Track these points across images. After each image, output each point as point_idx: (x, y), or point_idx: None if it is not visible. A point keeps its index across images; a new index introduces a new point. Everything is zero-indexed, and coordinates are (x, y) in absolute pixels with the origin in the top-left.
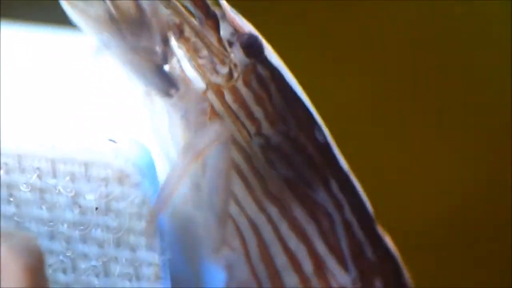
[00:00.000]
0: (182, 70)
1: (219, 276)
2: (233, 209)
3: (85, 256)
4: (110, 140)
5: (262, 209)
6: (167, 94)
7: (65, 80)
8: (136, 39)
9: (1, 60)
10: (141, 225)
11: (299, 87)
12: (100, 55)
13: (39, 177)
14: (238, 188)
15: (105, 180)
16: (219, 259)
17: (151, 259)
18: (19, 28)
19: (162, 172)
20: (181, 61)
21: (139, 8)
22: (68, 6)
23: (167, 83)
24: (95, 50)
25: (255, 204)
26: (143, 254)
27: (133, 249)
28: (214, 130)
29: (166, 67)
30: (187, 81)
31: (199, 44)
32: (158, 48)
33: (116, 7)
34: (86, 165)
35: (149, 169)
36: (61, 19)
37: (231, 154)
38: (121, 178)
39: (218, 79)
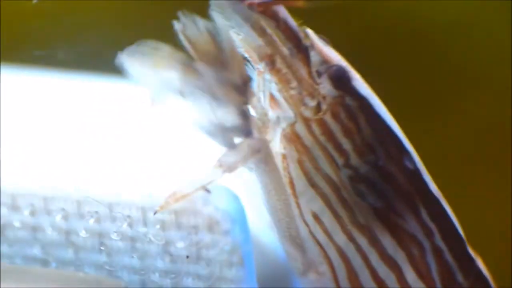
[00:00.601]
0: (263, 108)
1: None
2: (322, 237)
3: None
4: (206, 190)
5: (351, 239)
6: (246, 134)
7: (158, 131)
8: (220, 76)
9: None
10: (232, 273)
11: (389, 115)
12: (160, 103)
13: (129, 225)
14: (327, 218)
15: (195, 228)
16: (308, 282)
17: None
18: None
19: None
20: (262, 100)
21: (218, 48)
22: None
23: (248, 124)
24: (153, 98)
25: (343, 234)
26: None
27: None
28: (247, 145)
29: (249, 108)
30: (262, 121)
31: (290, 75)
32: (240, 86)
33: (195, 48)
34: (176, 213)
35: (239, 216)
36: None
37: (274, 170)
38: (211, 226)
39: (306, 112)
